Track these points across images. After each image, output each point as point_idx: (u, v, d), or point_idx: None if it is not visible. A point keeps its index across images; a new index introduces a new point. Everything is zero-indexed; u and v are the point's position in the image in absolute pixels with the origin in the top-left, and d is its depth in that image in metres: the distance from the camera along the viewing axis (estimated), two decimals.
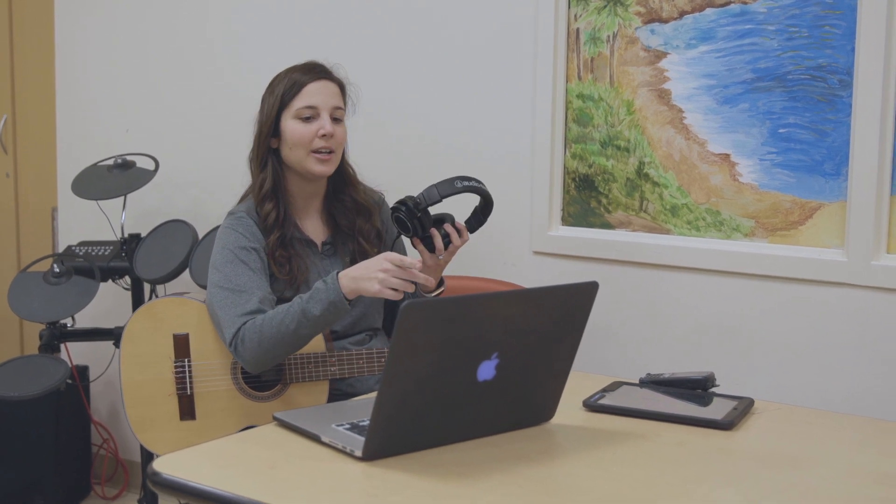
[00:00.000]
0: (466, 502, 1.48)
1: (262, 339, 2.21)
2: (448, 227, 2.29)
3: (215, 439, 1.76)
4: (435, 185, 2.24)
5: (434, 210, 2.28)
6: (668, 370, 2.17)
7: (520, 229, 2.89)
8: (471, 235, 2.34)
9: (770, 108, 2.54)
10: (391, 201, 2.51)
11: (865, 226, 2.43)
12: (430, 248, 2.29)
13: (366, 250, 2.42)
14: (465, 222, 2.35)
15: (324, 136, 2.35)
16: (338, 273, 2.19)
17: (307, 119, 2.36)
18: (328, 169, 2.39)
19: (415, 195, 2.26)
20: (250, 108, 2.46)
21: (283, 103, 2.38)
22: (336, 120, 2.39)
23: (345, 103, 2.44)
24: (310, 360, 2.32)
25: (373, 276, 2.13)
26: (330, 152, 2.37)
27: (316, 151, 2.36)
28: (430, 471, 1.58)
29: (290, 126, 2.37)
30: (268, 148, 2.41)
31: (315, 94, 2.37)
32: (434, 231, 2.28)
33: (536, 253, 2.88)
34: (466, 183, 2.26)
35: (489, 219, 2.36)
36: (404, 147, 3.07)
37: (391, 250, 2.39)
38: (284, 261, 2.35)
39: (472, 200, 2.35)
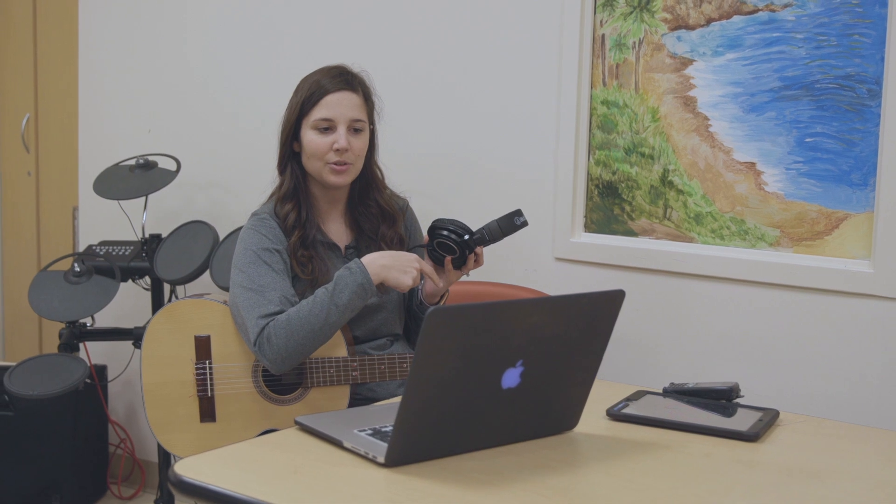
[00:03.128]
0: None
1: (291, 334, 2.21)
2: (479, 248, 2.29)
3: (236, 443, 1.76)
4: (497, 222, 2.26)
5: None
6: (691, 380, 2.15)
7: (542, 235, 2.88)
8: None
9: (797, 116, 2.52)
10: (415, 207, 2.50)
11: (892, 237, 2.40)
12: (459, 265, 2.30)
13: None
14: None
15: (338, 150, 2.34)
16: (360, 259, 2.24)
17: (324, 130, 2.35)
18: (343, 180, 2.37)
19: (469, 227, 2.26)
20: (272, 110, 2.46)
21: (303, 111, 2.37)
22: (356, 131, 2.37)
23: (369, 112, 2.42)
24: (331, 364, 2.32)
25: (408, 270, 2.24)
26: (345, 164, 2.36)
27: (331, 163, 2.35)
28: (452, 478, 1.57)
29: (308, 136, 2.36)
30: (291, 151, 2.40)
31: (333, 106, 2.35)
32: (469, 255, 2.29)
33: (559, 259, 2.87)
34: (522, 219, 2.26)
35: None
36: (428, 153, 3.06)
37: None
38: (306, 260, 2.35)
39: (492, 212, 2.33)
